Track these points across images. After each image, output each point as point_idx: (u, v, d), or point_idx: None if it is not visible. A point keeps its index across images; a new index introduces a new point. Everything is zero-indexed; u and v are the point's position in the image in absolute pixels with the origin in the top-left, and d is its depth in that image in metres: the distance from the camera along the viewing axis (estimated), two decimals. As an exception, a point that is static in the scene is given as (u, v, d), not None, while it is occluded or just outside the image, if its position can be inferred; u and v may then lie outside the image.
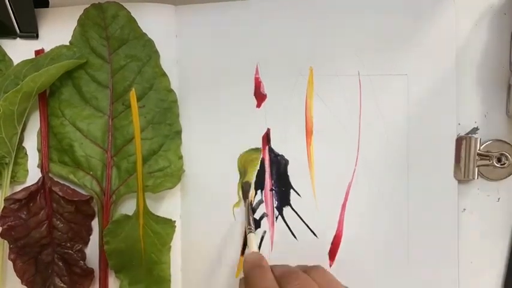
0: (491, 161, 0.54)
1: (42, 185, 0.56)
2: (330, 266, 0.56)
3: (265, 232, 0.57)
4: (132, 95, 0.53)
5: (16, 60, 0.57)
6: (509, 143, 0.55)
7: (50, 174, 0.56)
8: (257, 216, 0.57)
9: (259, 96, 0.57)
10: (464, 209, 0.55)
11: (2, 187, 0.56)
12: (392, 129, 0.55)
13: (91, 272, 0.57)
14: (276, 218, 0.57)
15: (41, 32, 0.58)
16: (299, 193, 0.57)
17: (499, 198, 0.55)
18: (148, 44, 0.57)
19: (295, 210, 0.57)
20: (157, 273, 0.56)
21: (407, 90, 0.55)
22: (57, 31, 0.57)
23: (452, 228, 0.55)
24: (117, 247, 0.55)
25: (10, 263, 0.55)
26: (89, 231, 0.57)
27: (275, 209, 0.57)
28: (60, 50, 0.56)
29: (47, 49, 0.57)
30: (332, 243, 0.56)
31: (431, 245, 0.55)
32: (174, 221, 0.56)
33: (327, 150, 0.56)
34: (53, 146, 0.57)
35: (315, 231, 0.57)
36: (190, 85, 0.58)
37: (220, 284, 0.58)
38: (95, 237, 0.57)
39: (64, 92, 0.56)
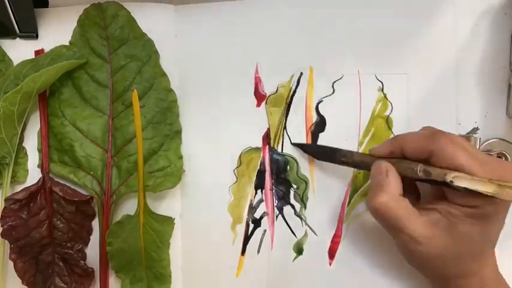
0: (491, 160, 0.54)
1: (43, 185, 0.56)
2: (330, 264, 0.56)
3: (265, 231, 0.57)
4: (135, 96, 0.53)
5: (16, 61, 0.57)
6: (509, 142, 0.55)
7: (51, 175, 0.56)
8: (257, 215, 0.57)
9: (259, 96, 0.57)
10: (464, 209, 0.56)
11: (3, 187, 0.56)
12: (392, 128, 0.55)
13: (91, 271, 0.57)
14: (276, 216, 0.57)
15: (40, 32, 0.58)
16: (299, 192, 0.57)
17: (499, 198, 0.56)
18: (148, 43, 0.57)
19: (295, 209, 0.57)
20: (158, 270, 0.56)
21: (406, 90, 0.55)
22: (56, 31, 0.58)
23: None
24: (119, 247, 0.55)
25: (11, 263, 0.55)
26: (89, 231, 0.57)
27: (275, 207, 0.57)
28: (60, 50, 0.56)
29: (46, 49, 0.57)
30: (332, 242, 0.56)
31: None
32: (174, 219, 0.57)
33: (327, 149, 0.57)
34: (53, 146, 0.57)
35: (314, 230, 0.57)
36: (190, 85, 0.58)
37: (220, 282, 0.58)
38: (95, 237, 0.57)
39: (64, 92, 0.56)
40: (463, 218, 0.44)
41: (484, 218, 0.44)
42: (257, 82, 0.57)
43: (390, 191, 0.46)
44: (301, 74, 0.57)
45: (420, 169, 0.45)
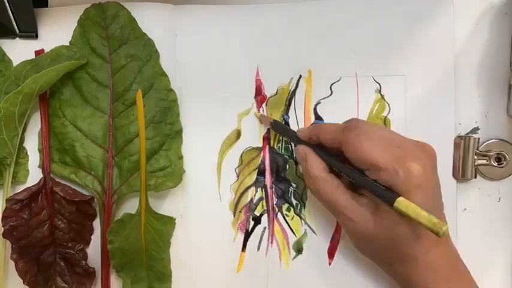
0: (489, 161, 0.54)
1: (44, 186, 0.56)
2: (330, 264, 0.57)
3: (265, 228, 0.57)
4: (139, 96, 0.53)
5: (16, 61, 0.57)
6: (509, 143, 0.55)
7: (51, 175, 0.56)
8: (257, 213, 0.58)
9: (260, 98, 0.57)
10: (465, 209, 0.56)
11: (4, 187, 0.56)
12: (391, 129, 0.56)
13: (93, 271, 0.57)
14: (276, 214, 0.57)
15: (40, 32, 0.58)
16: (298, 191, 0.57)
17: (499, 198, 0.56)
18: (148, 43, 0.56)
19: (295, 207, 0.57)
20: (159, 269, 0.57)
21: (404, 91, 0.56)
22: (57, 31, 0.57)
23: (452, 227, 0.55)
24: (120, 246, 0.55)
25: (12, 263, 0.55)
26: (91, 231, 0.57)
27: (275, 205, 0.57)
28: (60, 51, 0.56)
29: (46, 49, 0.57)
30: (331, 241, 0.57)
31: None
32: (175, 218, 0.57)
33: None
34: (54, 146, 0.57)
35: (314, 229, 0.57)
36: (190, 85, 0.58)
37: (221, 281, 0.58)
38: (96, 237, 0.57)
39: (64, 92, 0.56)
40: (384, 207, 0.45)
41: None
42: (258, 85, 0.57)
43: (314, 173, 0.49)
44: (300, 76, 0.57)
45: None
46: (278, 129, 0.56)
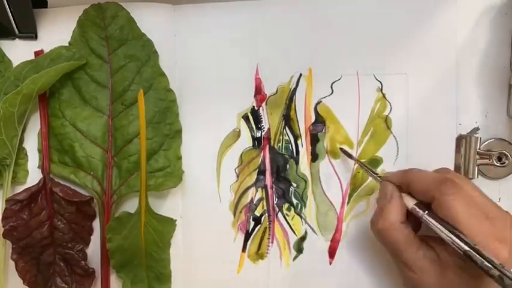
0: (491, 160, 0.54)
1: (43, 186, 0.56)
2: (330, 264, 0.57)
3: (265, 228, 0.57)
4: (140, 96, 0.53)
5: (15, 61, 0.57)
6: (510, 142, 0.55)
7: (51, 175, 0.56)
8: (258, 213, 0.58)
9: (260, 97, 0.57)
10: (465, 209, 0.56)
11: (3, 188, 0.56)
12: (391, 128, 0.55)
13: (92, 272, 0.57)
14: (276, 214, 0.57)
15: (39, 33, 0.58)
16: (298, 190, 0.57)
17: (499, 198, 0.55)
18: (147, 44, 0.56)
19: (295, 207, 0.57)
20: (158, 270, 0.57)
21: (406, 90, 0.55)
22: (56, 32, 0.57)
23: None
24: (119, 245, 0.55)
25: (12, 263, 0.55)
26: (90, 231, 0.58)
27: (275, 206, 0.57)
28: (60, 51, 0.56)
29: (46, 50, 0.57)
30: (331, 241, 0.57)
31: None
32: (175, 220, 0.57)
33: (326, 148, 0.57)
34: (54, 146, 0.57)
35: (314, 229, 0.57)
36: (189, 85, 0.58)
37: (221, 281, 0.58)
38: (96, 238, 0.57)
39: (64, 93, 0.56)
40: (454, 267, 0.44)
41: (474, 275, 0.43)
42: (258, 84, 0.57)
43: (390, 219, 0.47)
44: (301, 75, 0.57)
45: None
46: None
